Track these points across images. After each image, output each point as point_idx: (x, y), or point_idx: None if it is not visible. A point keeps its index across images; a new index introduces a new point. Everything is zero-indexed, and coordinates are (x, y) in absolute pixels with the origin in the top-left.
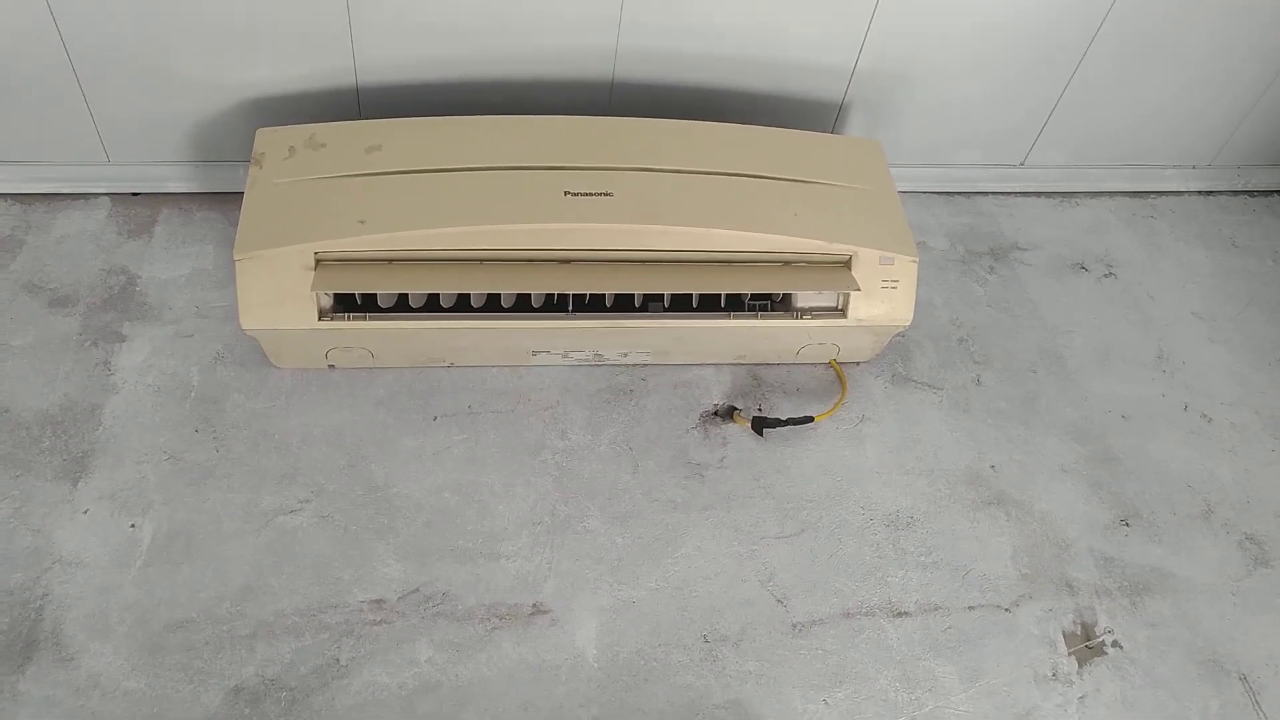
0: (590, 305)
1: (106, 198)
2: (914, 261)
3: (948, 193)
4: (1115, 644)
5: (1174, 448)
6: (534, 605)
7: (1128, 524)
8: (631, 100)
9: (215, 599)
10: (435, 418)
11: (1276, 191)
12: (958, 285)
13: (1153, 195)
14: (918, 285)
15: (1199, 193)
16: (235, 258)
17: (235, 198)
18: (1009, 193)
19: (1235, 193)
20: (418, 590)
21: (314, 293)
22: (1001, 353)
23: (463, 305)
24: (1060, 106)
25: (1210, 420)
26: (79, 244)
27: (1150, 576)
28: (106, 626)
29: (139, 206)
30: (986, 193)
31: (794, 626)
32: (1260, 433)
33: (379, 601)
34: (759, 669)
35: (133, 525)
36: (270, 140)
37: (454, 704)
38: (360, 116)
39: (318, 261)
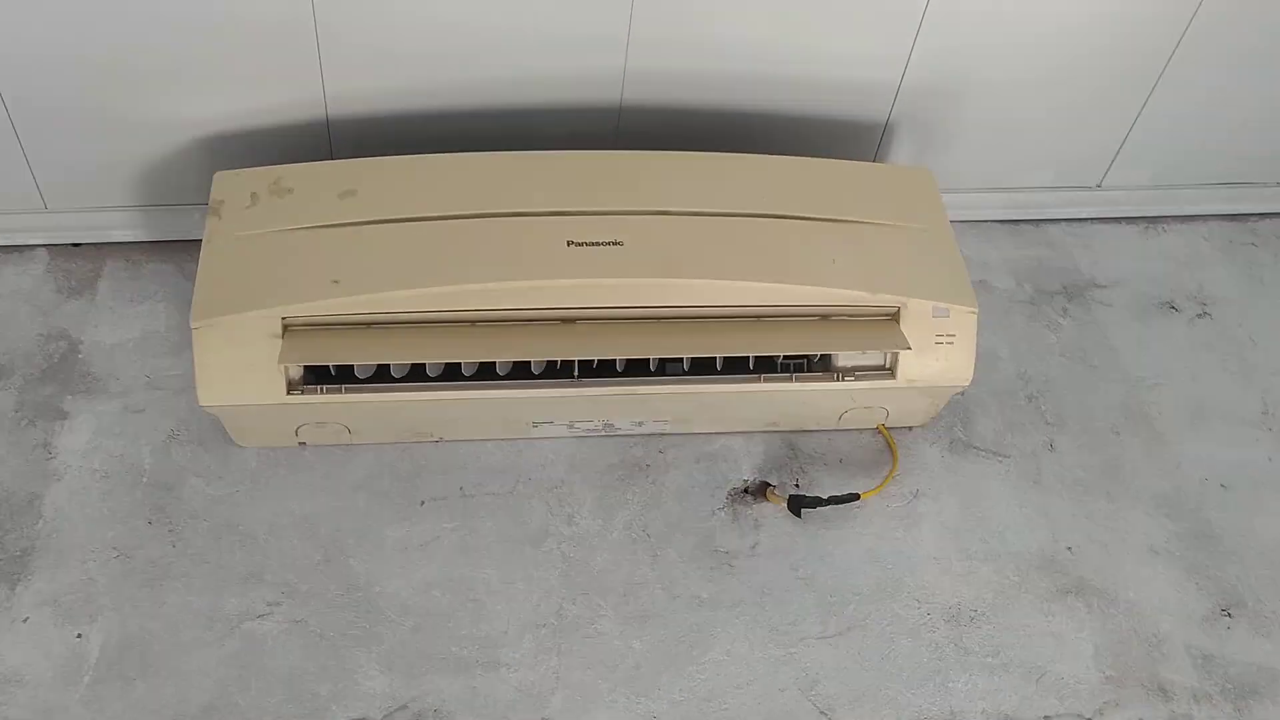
0: (599, 370)
1: (44, 249)
2: (973, 313)
3: (1012, 221)
4: None
5: None
6: None
7: (1229, 614)
8: (641, 127)
9: None
10: (422, 502)
11: None
12: (1026, 332)
13: (1253, 218)
14: (979, 334)
15: None
16: (192, 325)
17: (189, 245)
18: (1084, 219)
19: None
20: (405, 707)
21: (282, 365)
22: (1078, 412)
23: (452, 373)
24: (1142, 119)
25: None
26: (13, 305)
27: (1257, 677)
28: None
29: (80, 259)
30: (1057, 220)
31: None
32: None
33: None
34: None
35: (79, 635)
36: (229, 185)
37: None
38: (331, 155)
39: (285, 328)
